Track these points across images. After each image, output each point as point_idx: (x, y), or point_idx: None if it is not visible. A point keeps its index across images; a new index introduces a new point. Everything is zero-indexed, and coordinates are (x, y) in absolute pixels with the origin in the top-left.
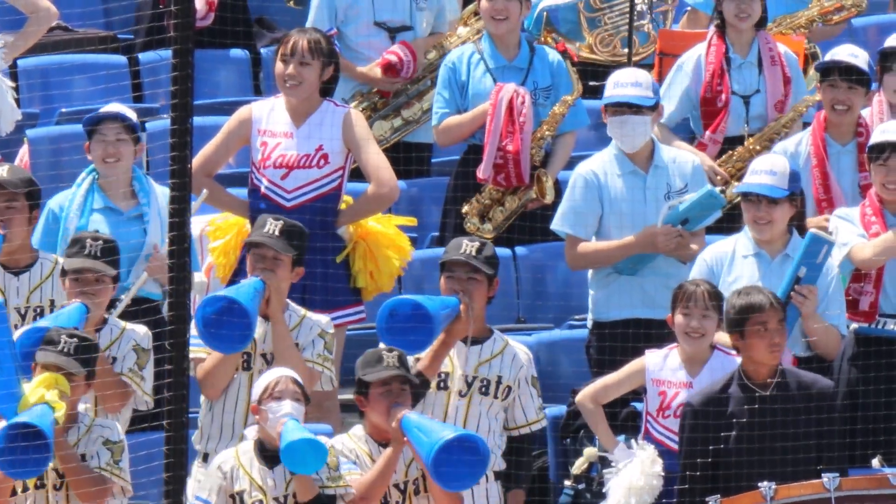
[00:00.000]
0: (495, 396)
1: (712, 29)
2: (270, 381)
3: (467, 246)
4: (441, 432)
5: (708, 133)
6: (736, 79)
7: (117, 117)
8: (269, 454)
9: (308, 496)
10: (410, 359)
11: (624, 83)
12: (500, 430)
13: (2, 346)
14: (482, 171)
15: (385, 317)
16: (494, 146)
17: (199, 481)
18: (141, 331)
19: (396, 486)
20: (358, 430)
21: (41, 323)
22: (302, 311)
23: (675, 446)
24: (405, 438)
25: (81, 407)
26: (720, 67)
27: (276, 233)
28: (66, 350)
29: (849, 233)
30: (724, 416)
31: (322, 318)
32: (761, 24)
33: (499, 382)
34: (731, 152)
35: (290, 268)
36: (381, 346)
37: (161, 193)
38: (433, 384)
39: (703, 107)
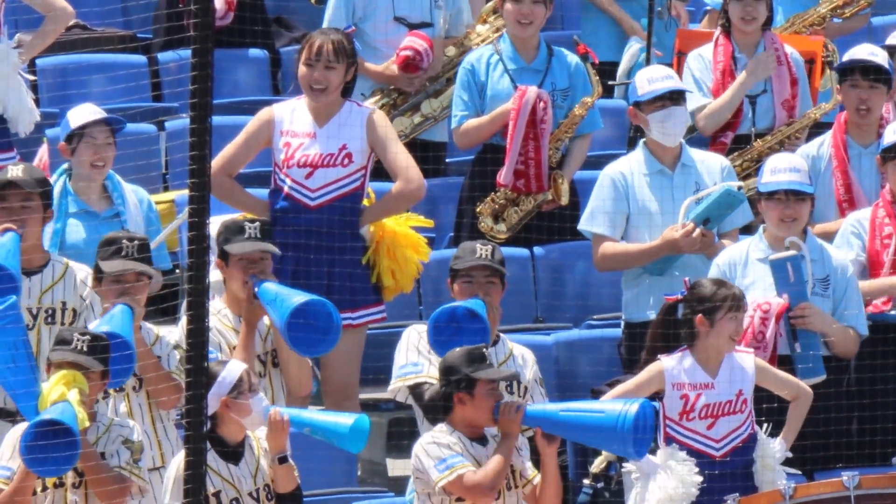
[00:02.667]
0: (517, 397)
1: (718, 29)
2: (242, 374)
3: (482, 250)
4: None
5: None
6: None
7: (107, 122)
8: (228, 450)
9: (290, 486)
10: None
11: (656, 77)
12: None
13: (17, 344)
14: (503, 177)
15: (433, 328)
16: (516, 152)
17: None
18: (177, 335)
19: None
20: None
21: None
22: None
23: (703, 448)
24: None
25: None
26: (729, 67)
27: (258, 234)
28: (79, 348)
29: (847, 252)
30: None
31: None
32: (767, 24)
33: (518, 383)
34: (743, 150)
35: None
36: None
37: (131, 191)
38: None
39: None
